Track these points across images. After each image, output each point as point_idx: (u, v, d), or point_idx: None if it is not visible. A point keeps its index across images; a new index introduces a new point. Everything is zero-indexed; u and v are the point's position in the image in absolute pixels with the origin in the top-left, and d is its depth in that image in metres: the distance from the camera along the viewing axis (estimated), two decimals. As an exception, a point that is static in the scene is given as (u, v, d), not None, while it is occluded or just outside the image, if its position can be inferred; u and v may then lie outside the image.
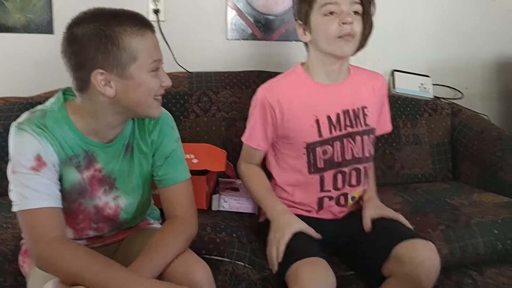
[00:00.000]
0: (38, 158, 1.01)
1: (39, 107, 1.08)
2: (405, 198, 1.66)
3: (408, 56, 2.15)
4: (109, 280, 0.97)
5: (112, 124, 1.09)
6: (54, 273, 1.00)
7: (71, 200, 1.10)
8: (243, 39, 2.01)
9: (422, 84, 2.11)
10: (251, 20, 2.00)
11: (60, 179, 1.07)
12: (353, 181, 1.38)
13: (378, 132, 1.45)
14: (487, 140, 1.83)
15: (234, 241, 1.34)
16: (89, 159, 1.10)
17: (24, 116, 1.05)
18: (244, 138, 1.42)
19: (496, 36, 2.22)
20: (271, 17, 2.01)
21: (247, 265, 1.31)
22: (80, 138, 1.07)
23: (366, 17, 1.28)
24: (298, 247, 1.23)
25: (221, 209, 1.52)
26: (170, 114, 1.20)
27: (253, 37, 2.01)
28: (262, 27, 2.01)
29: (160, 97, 1.09)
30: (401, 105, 1.97)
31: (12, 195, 1.03)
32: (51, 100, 1.09)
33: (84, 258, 0.99)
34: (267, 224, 1.39)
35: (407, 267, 1.19)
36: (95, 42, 0.98)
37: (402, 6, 2.09)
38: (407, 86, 2.10)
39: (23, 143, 1.01)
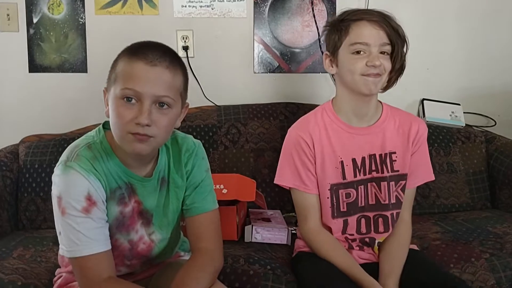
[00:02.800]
0: (89, 198, 1.00)
1: (80, 141, 1.07)
2: (444, 227, 1.60)
3: (437, 85, 2.13)
4: None
5: (148, 156, 1.08)
6: None
7: (109, 236, 1.09)
8: (270, 72, 2.03)
9: (453, 112, 2.08)
10: (278, 53, 2.02)
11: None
12: (381, 228, 1.33)
13: (420, 181, 1.38)
14: (526, 167, 1.77)
15: (268, 274, 1.30)
16: (129, 191, 1.09)
17: (68, 152, 1.04)
18: (286, 182, 1.35)
19: (528, 62, 2.18)
20: (297, 50, 2.03)
21: (282, 298, 1.26)
22: (123, 170, 1.07)
23: (396, 56, 1.26)
24: (325, 279, 1.19)
25: (254, 240, 1.49)
26: (201, 145, 1.19)
27: (279, 70, 2.03)
28: (288, 60, 2.03)
29: (134, 134, 0.98)
30: (432, 133, 1.93)
31: (62, 239, 1.02)
32: (91, 133, 1.09)
33: None
34: (300, 255, 1.36)
35: None
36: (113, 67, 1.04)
37: (430, 35, 2.09)
38: (437, 115, 2.06)
39: (72, 182, 1.00)
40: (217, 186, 1.46)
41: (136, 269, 1.17)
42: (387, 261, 1.27)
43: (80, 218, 0.99)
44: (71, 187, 1.00)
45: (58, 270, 1.21)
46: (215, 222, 1.16)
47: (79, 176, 1.00)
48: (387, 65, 1.25)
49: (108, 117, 1.03)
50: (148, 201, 1.11)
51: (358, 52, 1.25)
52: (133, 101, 0.98)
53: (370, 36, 1.24)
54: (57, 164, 1.03)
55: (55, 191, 1.02)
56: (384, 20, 1.25)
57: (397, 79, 1.31)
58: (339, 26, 1.29)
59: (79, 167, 1.00)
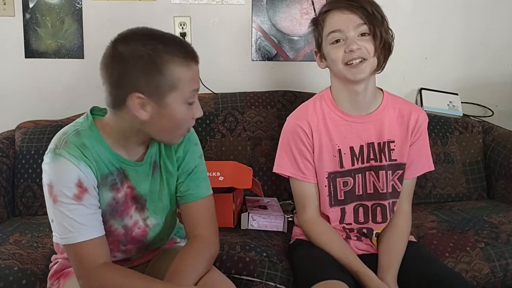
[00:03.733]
0: (80, 185, 1.00)
1: (69, 128, 1.06)
2: (440, 217, 1.60)
3: (436, 74, 2.12)
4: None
5: (138, 142, 1.09)
6: None
7: (103, 222, 1.09)
8: (268, 60, 2.02)
9: (450, 102, 2.08)
10: (276, 41, 2.01)
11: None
12: (379, 218, 1.33)
13: (420, 171, 1.37)
14: (523, 158, 1.77)
15: (264, 261, 1.30)
16: (122, 176, 1.09)
17: (57, 139, 1.03)
18: (284, 171, 1.34)
19: (526, 52, 2.18)
20: (295, 38, 2.02)
21: (278, 285, 1.27)
22: (113, 156, 1.07)
23: (375, 35, 1.23)
24: (320, 268, 1.19)
25: (250, 227, 1.50)
26: (194, 131, 1.19)
27: (277, 57, 2.02)
28: (287, 48, 2.02)
29: (189, 130, 1.08)
30: (430, 123, 1.89)
31: (55, 227, 1.02)
32: (80, 120, 1.08)
33: (129, 279, 1.01)
34: (297, 243, 1.37)
35: None
36: (141, 65, 0.97)
37: (429, 24, 2.08)
38: (435, 104, 2.06)
39: (62, 170, 0.99)
40: (214, 174, 1.45)
41: (132, 255, 1.18)
42: (386, 254, 1.26)
43: (72, 205, 0.99)
44: (61, 174, 1.00)
45: (54, 256, 1.22)
46: (210, 208, 1.16)
47: (68, 164, 0.99)
48: (369, 46, 1.23)
49: (146, 121, 1.01)
50: (141, 186, 1.11)
51: (337, 41, 1.24)
52: (193, 100, 1.04)
53: (341, 21, 1.23)
54: (46, 152, 1.03)
55: (45, 179, 1.01)
56: (353, 3, 1.23)
57: (386, 59, 1.27)
58: (316, 22, 1.30)
59: (68, 154, 1.00)
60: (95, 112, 1.09)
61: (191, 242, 1.12)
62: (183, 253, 1.09)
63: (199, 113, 1.06)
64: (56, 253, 1.21)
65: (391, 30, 1.27)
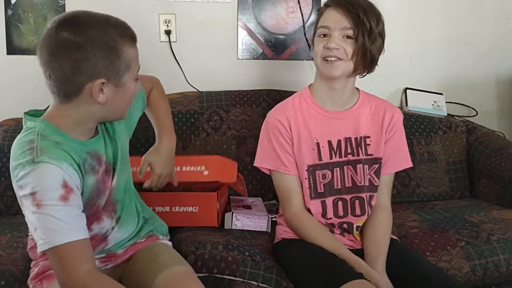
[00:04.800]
0: (65, 185, 0.99)
1: (27, 137, 1.02)
2: (422, 216, 1.62)
3: (420, 74, 2.14)
4: None
5: (93, 125, 1.12)
6: None
7: (90, 206, 1.09)
8: (253, 59, 2.01)
9: (435, 102, 2.09)
10: (262, 39, 2.01)
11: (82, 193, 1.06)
12: (357, 211, 1.35)
13: (398, 167, 1.42)
14: (505, 157, 1.80)
15: (246, 260, 1.30)
16: (95, 157, 1.10)
17: (24, 153, 0.99)
18: (265, 164, 1.38)
19: (510, 53, 2.19)
20: (281, 37, 2.02)
21: (260, 284, 1.26)
22: (79, 143, 1.07)
23: (357, 40, 1.27)
24: (342, 269, 1.20)
25: (234, 227, 1.49)
26: None
27: (263, 56, 2.02)
28: (273, 47, 2.02)
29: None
30: (414, 123, 1.94)
31: (39, 233, 0.98)
32: (29, 125, 1.05)
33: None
34: (284, 243, 1.37)
35: None
36: (100, 51, 1.00)
37: (414, 24, 2.09)
38: (420, 104, 2.08)
39: (46, 174, 0.97)
40: (198, 168, 1.45)
41: (104, 226, 1.16)
42: (372, 246, 1.29)
43: (59, 207, 0.98)
44: (45, 178, 0.98)
45: (33, 262, 1.19)
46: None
47: (51, 166, 0.98)
48: (349, 49, 1.28)
49: (103, 104, 1.04)
50: (107, 153, 1.14)
51: (324, 36, 1.30)
52: (137, 77, 1.12)
53: (332, 19, 1.29)
54: (15, 169, 0.99)
55: (25, 190, 0.97)
56: (349, 6, 1.28)
57: (367, 67, 1.31)
58: (317, 13, 1.38)
59: (49, 158, 0.98)
60: (32, 114, 1.09)
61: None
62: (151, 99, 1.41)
63: (138, 87, 1.14)
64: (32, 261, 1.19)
65: (381, 43, 1.31)
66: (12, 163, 1.02)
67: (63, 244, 0.97)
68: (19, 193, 1.00)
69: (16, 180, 1.00)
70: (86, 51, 0.99)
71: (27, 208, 0.99)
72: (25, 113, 1.09)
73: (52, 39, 1.00)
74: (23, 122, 1.09)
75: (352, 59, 1.29)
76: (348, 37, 1.28)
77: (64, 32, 0.99)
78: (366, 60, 1.30)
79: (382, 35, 1.31)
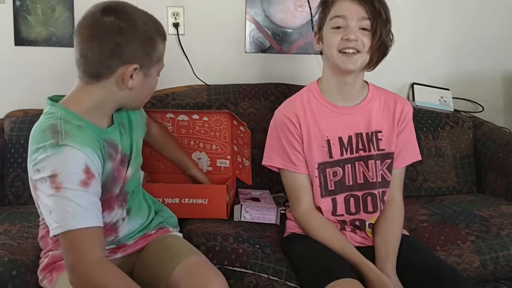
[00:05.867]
0: (87, 170, 0.99)
1: (49, 121, 1.03)
2: (432, 210, 1.62)
3: (427, 69, 2.13)
4: None
5: (109, 112, 1.13)
6: None
7: (105, 193, 1.10)
8: (261, 52, 2.01)
9: (442, 97, 2.09)
10: (269, 33, 2.00)
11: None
12: (370, 208, 1.33)
13: (408, 161, 1.39)
14: (512, 152, 1.79)
15: (257, 252, 1.30)
16: (112, 145, 1.12)
17: (48, 135, 1.00)
18: (274, 163, 1.35)
19: (517, 48, 2.20)
20: (289, 30, 2.01)
21: (271, 277, 1.27)
22: (96, 129, 1.08)
23: (375, 32, 1.24)
24: (332, 266, 1.19)
25: (243, 219, 1.49)
26: None
27: (271, 50, 2.01)
28: (280, 40, 2.01)
29: None
30: (421, 118, 1.94)
31: (53, 217, 0.98)
32: (49, 110, 1.06)
33: (122, 282, 1.01)
34: (293, 237, 1.37)
35: None
36: (140, 39, 1.06)
37: (421, 19, 2.09)
38: (427, 99, 2.08)
39: (69, 157, 0.98)
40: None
41: (116, 215, 1.17)
42: (383, 245, 1.27)
43: (78, 192, 0.98)
44: (68, 161, 0.98)
45: (43, 252, 1.20)
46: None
47: (75, 150, 0.99)
48: (366, 41, 1.24)
49: (130, 89, 1.08)
50: (122, 144, 1.16)
51: (338, 28, 1.26)
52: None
53: (348, 10, 1.25)
54: (35, 152, 0.99)
55: (45, 172, 0.97)
56: None
57: (379, 60, 1.29)
58: (325, 3, 1.31)
59: (73, 142, 0.99)
60: (54, 100, 1.10)
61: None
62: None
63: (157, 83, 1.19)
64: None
65: (392, 34, 1.29)
66: (32, 147, 1.02)
67: (78, 229, 0.97)
68: (35, 176, 1.00)
69: (34, 164, 1.00)
70: (129, 37, 1.04)
71: (43, 192, 0.99)
72: (48, 97, 1.11)
73: (96, 21, 1.04)
74: (44, 106, 1.10)
75: (369, 51, 1.26)
76: (364, 28, 1.25)
77: (110, 16, 1.04)
78: (381, 52, 1.27)
79: (391, 22, 1.28)
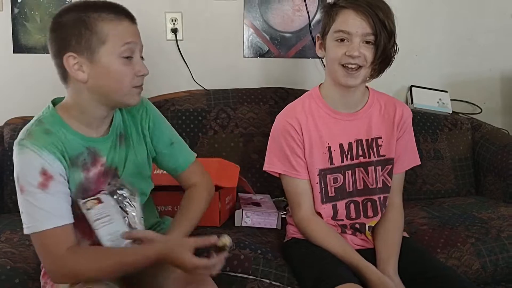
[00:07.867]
0: (44, 172, 1.00)
1: (33, 120, 1.07)
2: (431, 213, 1.62)
3: (425, 72, 2.14)
4: (123, 259, 1.02)
5: (101, 116, 1.10)
6: (75, 280, 1.02)
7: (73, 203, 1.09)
8: (259, 57, 2.02)
9: (440, 99, 2.10)
10: (268, 37, 2.01)
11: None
12: (370, 213, 1.34)
13: (407, 166, 1.39)
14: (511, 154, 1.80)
15: (259, 258, 1.31)
16: (92, 155, 1.10)
17: (22, 133, 1.04)
18: (275, 169, 1.34)
19: (514, 50, 2.21)
20: (287, 35, 2.02)
21: (273, 282, 1.27)
22: (77, 136, 1.08)
23: (378, 46, 1.23)
24: (334, 272, 1.19)
25: (244, 224, 1.50)
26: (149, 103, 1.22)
27: (269, 54, 2.02)
28: (279, 45, 2.02)
29: (139, 87, 1.09)
30: (420, 120, 1.95)
31: (23, 217, 1.02)
32: (42, 110, 1.10)
33: (100, 259, 1.02)
34: (294, 242, 1.37)
35: None
36: (71, 27, 1.02)
37: (419, 22, 2.10)
38: (425, 101, 2.08)
39: (26, 160, 1.01)
40: None
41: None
42: (384, 247, 1.28)
43: (38, 194, 1.00)
44: (25, 164, 1.01)
45: None
46: (200, 165, 1.29)
47: (31, 153, 1.00)
48: (369, 55, 1.24)
49: (85, 82, 1.03)
50: (110, 156, 1.12)
51: (342, 40, 1.25)
52: (128, 55, 1.05)
53: (353, 25, 1.23)
54: (15, 146, 1.04)
55: (14, 172, 1.03)
56: (370, 10, 1.22)
57: (382, 70, 1.29)
58: (330, 11, 1.29)
59: (31, 144, 1.01)
60: (57, 100, 1.12)
61: (191, 189, 1.25)
62: (186, 198, 1.24)
63: (143, 70, 1.07)
64: None
65: (396, 45, 1.28)
66: None
67: (42, 231, 1.00)
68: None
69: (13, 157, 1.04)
70: (61, 30, 1.03)
71: (17, 189, 1.03)
72: (53, 99, 1.12)
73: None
74: None
75: (372, 65, 1.25)
76: (367, 42, 1.23)
77: (54, 19, 1.06)
78: (383, 64, 1.27)
79: (395, 33, 1.27)
